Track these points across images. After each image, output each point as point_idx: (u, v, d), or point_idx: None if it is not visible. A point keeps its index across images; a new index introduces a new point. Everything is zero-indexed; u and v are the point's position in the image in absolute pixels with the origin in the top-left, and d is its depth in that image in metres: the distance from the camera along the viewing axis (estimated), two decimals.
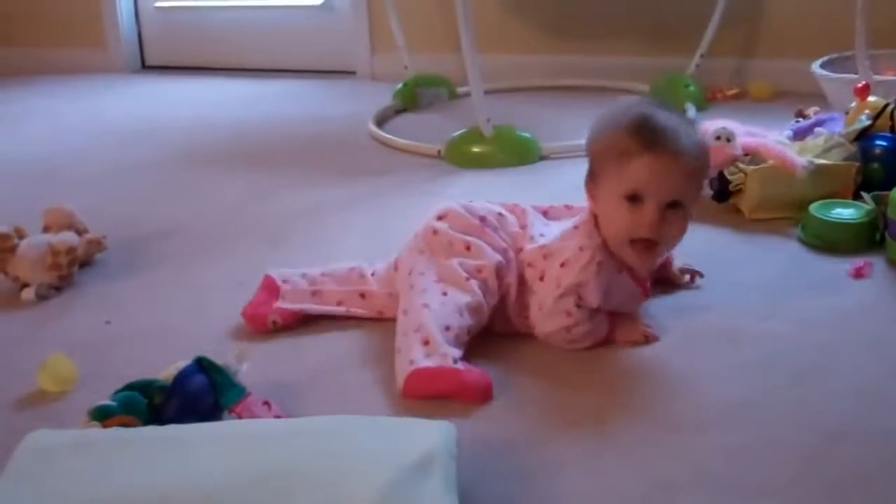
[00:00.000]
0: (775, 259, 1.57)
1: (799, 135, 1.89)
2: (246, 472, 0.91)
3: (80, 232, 1.64)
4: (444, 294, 1.29)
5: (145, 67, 3.57)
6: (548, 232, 1.37)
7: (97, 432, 1.02)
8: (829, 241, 1.59)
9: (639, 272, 1.33)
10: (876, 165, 1.73)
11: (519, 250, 1.35)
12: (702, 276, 1.47)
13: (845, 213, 1.61)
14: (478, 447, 1.07)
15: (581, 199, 1.35)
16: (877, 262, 1.52)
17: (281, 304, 1.40)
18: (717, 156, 1.75)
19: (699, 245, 1.59)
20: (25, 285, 1.56)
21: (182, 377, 1.11)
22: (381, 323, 1.38)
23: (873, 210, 1.59)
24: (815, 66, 2.37)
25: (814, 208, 1.62)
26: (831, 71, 2.35)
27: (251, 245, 1.75)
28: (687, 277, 1.47)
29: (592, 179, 1.31)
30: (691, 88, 2.56)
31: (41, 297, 1.55)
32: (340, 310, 1.41)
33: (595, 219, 1.31)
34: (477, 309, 1.29)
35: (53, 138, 2.64)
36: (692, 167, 1.26)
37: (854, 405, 1.14)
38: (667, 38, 2.82)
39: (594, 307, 1.29)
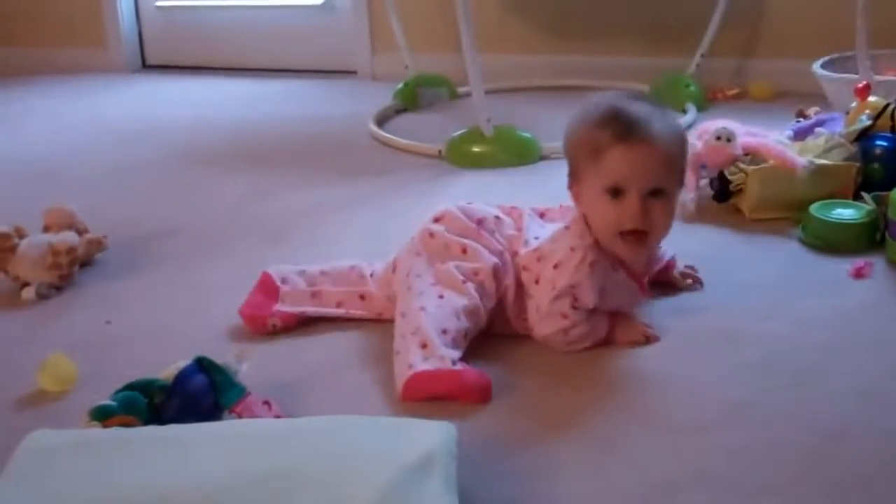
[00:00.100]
0: (775, 259, 1.57)
1: (799, 135, 1.89)
2: (246, 472, 0.91)
3: (80, 232, 1.64)
4: (441, 297, 1.28)
5: (146, 67, 3.57)
6: (543, 234, 1.36)
7: (97, 432, 1.02)
8: (829, 242, 1.58)
9: (634, 267, 1.32)
10: (876, 165, 1.73)
11: (515, 254, 1.35)
12: (702, 284, 1.47)
13: (846, 213, 1.61)
14: (478, 447, 1.07)
15: None
16: (877, 263, 1.52)
17: (280, 307, 1.40)
18: (718, 156, 1.76)
19: (699, 245, 1.60)
20: (26, 285, 1.56)
21: (182, 377, 1.11)
22: (380, 323, 1.38)
23: (874, 210, 1.59)
24: (816, 67, 2.37)
25: (814, 208, 1.62)
26: (832, 71, 2.35)
27: (251, 245, 1.75)
28: (689, 281, 1.47)
29: (574, 180, 1.32)
30: (692, 88, 2.56)
31: (41, 297, 1.55)
32: (340, 311, 1.41)
33: (585, 218, 1.30)
34: (474, 312, 1.28)
35: (53, 138, 2.64)
36: (669, 153, 1.26)
37: (854, 405, 1.14)
38: (667, 38, 2.82)
39: (591, 308, 1.28)
